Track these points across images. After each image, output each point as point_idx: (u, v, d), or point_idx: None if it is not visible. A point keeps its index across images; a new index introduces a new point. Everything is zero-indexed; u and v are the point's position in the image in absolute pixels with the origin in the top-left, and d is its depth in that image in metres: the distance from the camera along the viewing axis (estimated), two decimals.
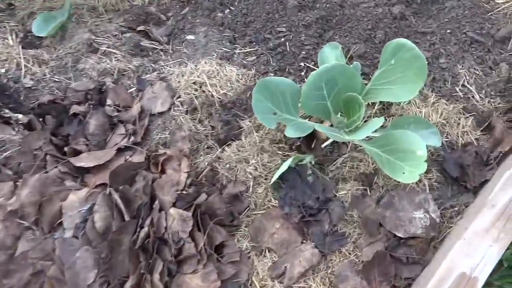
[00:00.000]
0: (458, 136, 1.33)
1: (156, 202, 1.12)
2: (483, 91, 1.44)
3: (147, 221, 1.09)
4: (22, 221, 1.06)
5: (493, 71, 1.49)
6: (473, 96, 1.43)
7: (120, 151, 1.27)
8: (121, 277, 1.02)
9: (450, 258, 0.98)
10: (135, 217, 1.10)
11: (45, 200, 1.10)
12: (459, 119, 1.36)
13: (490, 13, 1.63)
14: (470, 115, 1.38)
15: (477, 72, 1.48)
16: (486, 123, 1.38)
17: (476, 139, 1.34)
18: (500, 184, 1.09)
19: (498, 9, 1.65)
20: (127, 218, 1.08)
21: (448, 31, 1.55)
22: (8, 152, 1.19)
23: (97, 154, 1.25)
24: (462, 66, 1.48)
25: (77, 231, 1.07)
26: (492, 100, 1.43)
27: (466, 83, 1.45)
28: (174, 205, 1.12)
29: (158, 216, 1.10)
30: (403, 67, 1.05)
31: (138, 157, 1.24)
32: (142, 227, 1.08)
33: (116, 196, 1.11)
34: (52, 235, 1.07)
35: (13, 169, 1.18)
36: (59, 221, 1.09)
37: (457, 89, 1.44)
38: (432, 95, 1.39)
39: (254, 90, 1.06)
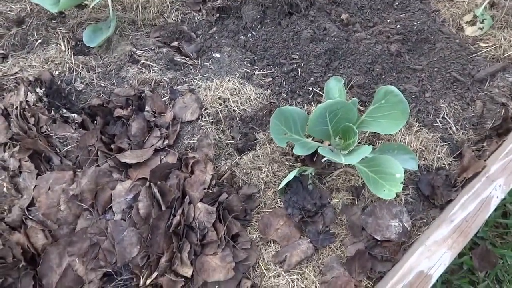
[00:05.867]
0: (433, 161, 1.62)
1: (187, 197, 1.40)
2: (459, 124, 1.73)
3: (179, 211, 1.37)
4: (81, 204, 1.34)
5: (470, 107, 1.77)
6: (450, 128, 1.71)
7: (156, 151, 1.55)
8: (157, 253, 1.30)
9: (413, 259, 1.28)
10: (169, 207, 1.38)
11: (99, 189, 1.37)
12: (436, 146, 1.65)
13: (473, 55, 1.91)
14: (445, 144, 1.66)
15: (456, 107, 1.76)
16: (458, 151, 1.67)
17: (448, 164, 1.63)
18: (459, 204, 1.38)
19: (481, 52, 1.93)
20: (163, 208, 1.36)
21: (435, 69, 1.83)
22: (69, 147, 1.47)
23: (138, 153, 1.52)
24: (444, 101, 1.76)
25: (124, 215, 1.35)
26: (466, 131, 1.71)
27: (445, 116, 1.73)
28: (201, 200, 1.40)
29: (188, 208, 1.38)
30: (391, 107, 1.33)
31: (171, 158, 1.52)
32: (174, 216, 1.36)
33: (155, 189, 1.39)
34: (104, 217, 1.35)
35: (72, 160, 1.46)
36: (109, 205, 1.37)
37: (438, 120, 1.72)
38: (416, 124, 1.67)
39: (272, 116, 1.33)
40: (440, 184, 1.53)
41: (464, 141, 1.69)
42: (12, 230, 1.32)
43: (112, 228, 1.31)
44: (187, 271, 1.30)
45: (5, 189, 1.38)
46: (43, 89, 1.55)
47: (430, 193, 1.52)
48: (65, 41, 1.83)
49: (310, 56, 1.78)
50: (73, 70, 1.72)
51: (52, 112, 1.51)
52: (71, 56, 1.76)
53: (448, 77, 1.81)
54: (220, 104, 1.65)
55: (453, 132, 1.71)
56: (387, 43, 1.84)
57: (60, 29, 1.87)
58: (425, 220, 1.49)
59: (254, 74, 1.78)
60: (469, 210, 1.38)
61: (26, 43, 1.82)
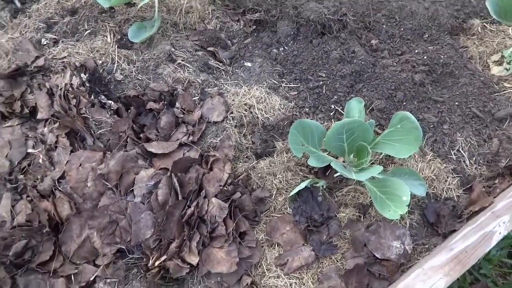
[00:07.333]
0: (443, 191, 1.66)
1: (203, 191, 1.50)
2: (474, 159, 1.77)
3: (194, 203, 1.46)
4: (107, 183, 1.46)
5: (486, 144, 1.81)
6: (464, 161, 1.76)
7: (180, 145, 1.65)
8: (169, 239, 1.40)
9: (409, 280, 1.33)
10: (185, 198, 1.48)
11: (124, 171, 1.49)
12: (447, 177, 1.69)
13: (496, 94, 1.96)
14: (457, 176, 1.71)
15: (472, 142, 1.80)
16: (469, 185, 1.71)
17: (457, 196, 1.67)
18: (461, 234, 1.43)
19: (504, 92, 1.97)
20: (180, 197, 1.46)
21: (456, 103, 1.88)
22: (102, 130, 1.59)
23: (164, 144, 1.63)
24: (461, 135, 1.81)
25: (144, 199, 1.46)
26: (479, 167, 1.75)
27: (461, 149, 1.78)
28: (216, 196, 1.49)
29: (203, 202, 1.47)
30: (405, 132, 1.40)
31: (193, 153, 1.62)
32: (189, 207, 1.46)
33: (175, 179, 1.49)
34: (125, 198, 1.46)
35: (103, 143, 1.58)
36: (131, 188, 1.48)
37: (452, 152, 1.77)
38: (430, 153, 1.73)
39: (292, 126, 1.42)
40: (446, 214, 1.57)
41: (476, 176, 1.73)
42: (42, 198, 1.44)
43: (131, 209, 1.41)
44: (194, 260, 1.39)
45: (40, 160, 1.51)
46: (87, 75, 1.69)
47: (435, 221, 1.57)
48: (112, 34, 1.97)
49: (336, 75, 1.87)
50: (115, 62, 1.85)
51: (92, 97, 1.64)
52: (115, 48, 1.90)
53: (468, 112, 1.86)
54: (246, 110, 1.75)
55: (466, 165, 1.75)
56: (412, 72, 1.91)
57: (108, 23, 2.01)
58: (426, 246, 1.54)
59: (281, 86, 1.87)
60: (470, 241, 1.42)
61: (76, 32, 1.97)
